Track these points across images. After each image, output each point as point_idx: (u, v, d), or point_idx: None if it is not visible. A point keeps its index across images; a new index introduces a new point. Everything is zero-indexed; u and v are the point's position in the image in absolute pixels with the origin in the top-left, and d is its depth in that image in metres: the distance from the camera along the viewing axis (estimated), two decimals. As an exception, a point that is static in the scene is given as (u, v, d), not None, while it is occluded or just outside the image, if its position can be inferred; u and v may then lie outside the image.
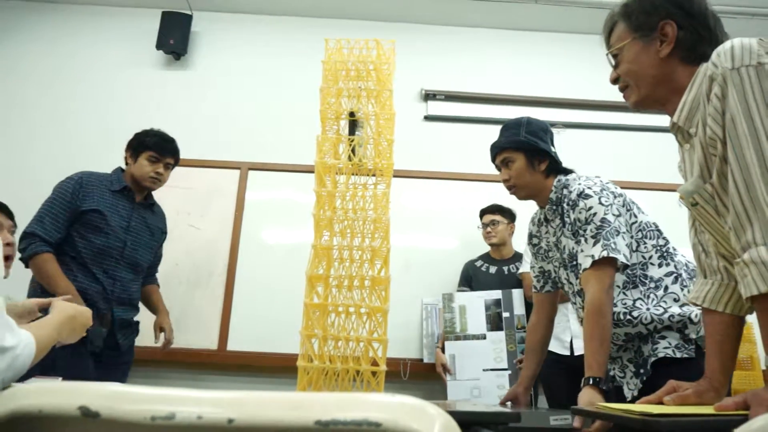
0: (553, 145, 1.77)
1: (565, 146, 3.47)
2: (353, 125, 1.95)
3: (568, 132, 3.56)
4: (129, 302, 2.33)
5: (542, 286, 1.87)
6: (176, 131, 3.40)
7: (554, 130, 3.52)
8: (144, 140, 2.36)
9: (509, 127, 1.80)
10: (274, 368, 3.05)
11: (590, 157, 3.40)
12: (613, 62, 1.21)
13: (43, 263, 2.13)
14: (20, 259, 2.12)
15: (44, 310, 1.36)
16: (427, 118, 3.62)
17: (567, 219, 1.65)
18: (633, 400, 1.52)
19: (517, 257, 2.99)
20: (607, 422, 1.26)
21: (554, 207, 1.72)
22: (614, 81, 1.22)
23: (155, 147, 2.35)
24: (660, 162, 3.54)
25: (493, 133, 3.61)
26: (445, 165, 3.50)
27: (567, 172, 1.75)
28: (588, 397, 1.35)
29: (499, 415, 0.89)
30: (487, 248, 3.08)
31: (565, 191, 1.68)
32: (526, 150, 1.72)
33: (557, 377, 2.38)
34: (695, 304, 1.14)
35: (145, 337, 2.48)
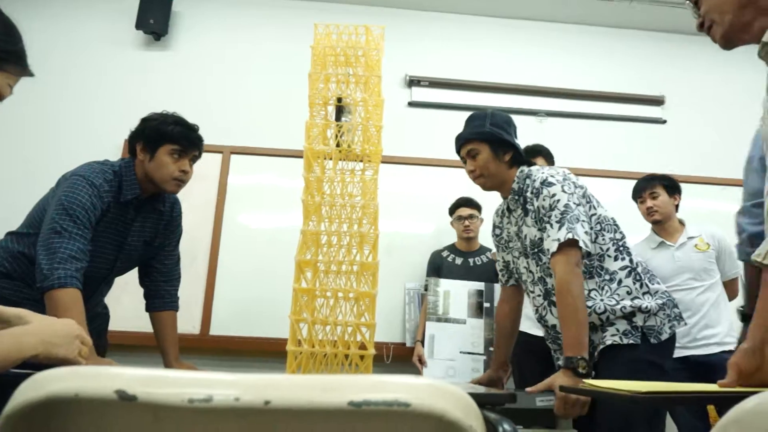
0: (516, 137, 1.82)
1: (547, 134, 3.55)
2: (340, 111, 1.95)
3: (549, 120, 3.61)
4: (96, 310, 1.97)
5: (507, 280, 1.93)
6: (153, 110, 3.39)
7: (536, 118, 3.61)
8: (164, 130, 1.83)
9: (474, 118, 1.83)
10: (258, 352, 3.06)
11: (571, 145, 3.46)
12: (695, 14, 1.14)
13: (70, 302, 1.56)
14: (39, 287, 1.59)
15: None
16: (411, 104, 3.62)
17: (530, 207, 1.70)
18: None
19: (483, 250, 3.06)
20: (581, 406, 1.31)
21: (516, 197, 1.77)
22: (700, 27, 1.14)
23: (180, 138, 1.83)
24: (639, 151, 3.64)
25: (477, 120, 3.65)
26: (428, 151, 3.52)
27: (530, 163, 1.80)
28: (562, 380, 1.39)
29: (498, 396, 0.92)
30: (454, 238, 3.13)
31: (527, 181, 1.73)
32: (490, 141, 1.76)
33: (529, 359, 2.43)
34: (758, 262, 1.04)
35: (124, 321, 2.42)
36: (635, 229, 3.40)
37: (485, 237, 3.08)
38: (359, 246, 1.81)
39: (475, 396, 0.61)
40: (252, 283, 3.19)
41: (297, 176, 1.90)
